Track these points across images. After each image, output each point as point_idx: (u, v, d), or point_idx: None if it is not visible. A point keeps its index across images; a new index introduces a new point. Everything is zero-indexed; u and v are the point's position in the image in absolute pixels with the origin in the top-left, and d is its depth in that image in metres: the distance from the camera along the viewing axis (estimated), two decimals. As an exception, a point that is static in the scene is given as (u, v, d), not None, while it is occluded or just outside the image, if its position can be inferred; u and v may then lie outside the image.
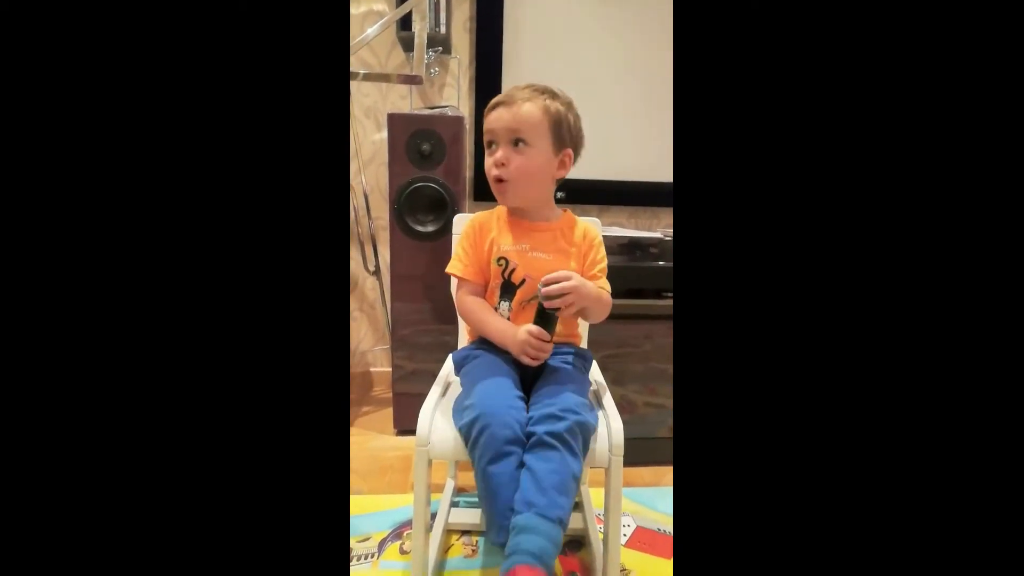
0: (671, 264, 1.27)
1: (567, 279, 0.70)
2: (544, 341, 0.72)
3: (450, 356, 0.88)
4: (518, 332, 0.74)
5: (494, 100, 0.79)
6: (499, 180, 0.78)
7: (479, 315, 0.80)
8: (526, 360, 0.74)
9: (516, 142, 0.77)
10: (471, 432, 0.66)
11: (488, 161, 0.79)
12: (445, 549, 0.91)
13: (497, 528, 0.64)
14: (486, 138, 0.80)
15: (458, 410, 0.71)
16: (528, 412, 0.70)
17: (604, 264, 0.83)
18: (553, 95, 0.79)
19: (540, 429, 0.65)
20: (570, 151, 0.80)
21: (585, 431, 0.67)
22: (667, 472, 1.20)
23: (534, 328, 0.72)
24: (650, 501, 1.07)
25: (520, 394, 0.71)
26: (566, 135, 0.79)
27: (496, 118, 0.78)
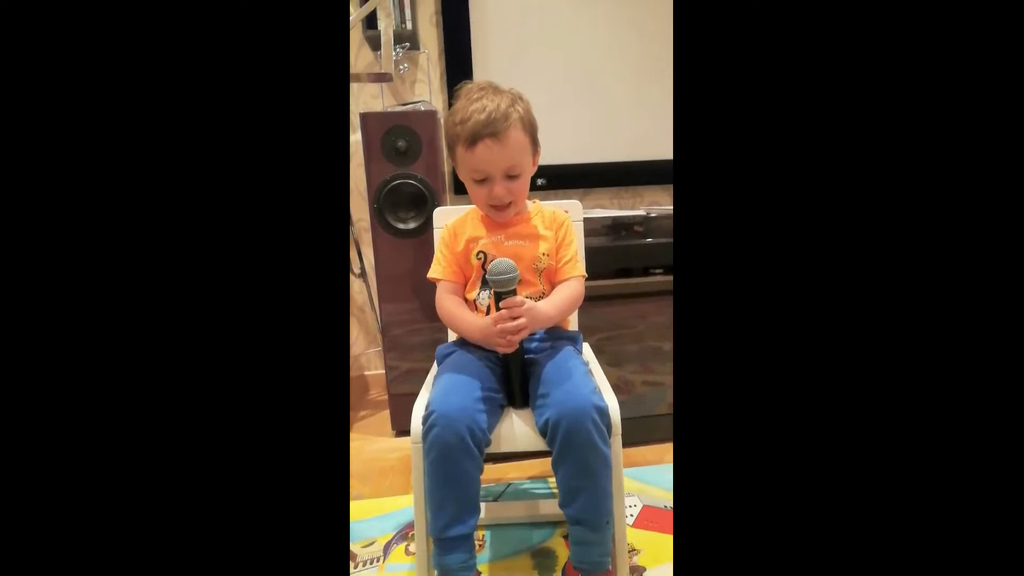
0: (657, 240, 1.26)
1: (519, 305, 0.70)
2: (513, 318, 0.70)
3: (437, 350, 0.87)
4: (485, 322, 0.74)
5: (473, 127, 0.72)
6: (500, 207, 0.79)
7: (454, 314, 0.80)
8: (501, 349, 0.73)
9: (512, 175, 0.76)
10: (424, 424, 0.67)
11: (481, 193, 0.78)
12: (452, 545, 0.90)
13: (439, 520, 0.67)
14: (476, 175, 0.76)
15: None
16: (536, 407, 0.70)
17: (574, 249, 0.83)
18: (515, 99, 0.77)
19: (568, 432, 0.65)
20: (539, 150, 0.81)
21: (603, 415, 0.67)
22: (669, 449, 1.20)
23: (497, 314, 0.71)
24: (654, 478, 1.07)
25: (486, 395, 0.70)
26: (536, 137, 0.80)
27: (487, 157, 0.74)
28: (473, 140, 0.73)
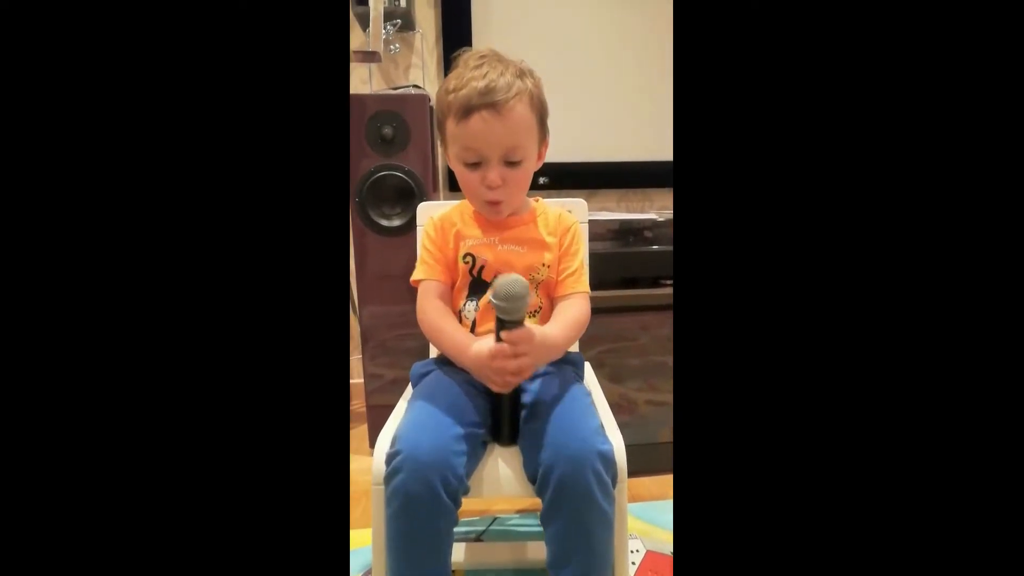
0: (667, 248, 1.14)
1: (527, 340, 0.56)
2: (514, 361, 0.56)
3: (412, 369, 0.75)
4: (477, 349, 0.59)
5: (468, 95, 0.59)
6: (494, 202, 0.65)
7: (438, 327, 0.66)
8: (495, 387, 0.59)
9: (511, 160, 0.62)
10: (389, 465, 0.54)
11: (472, 180, 0.63)
12: (424, 594, 0.78)
13: None
14: (467, 155, 0.62)
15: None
16: (526, 445, 0.58)
17: (580, 260, 0.70)
18: (523, 72, 0.63)
19: (563, 480, 0.53)
20: (548, 139, 0.68)
21: (607, 464, 0.55)
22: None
23: (496, 348, 0.56)
24: (659, 518, 0.95)
25: (467, 431, 0.57)
26: (545, 121, 0.66)
27: (483, 131, 0.60)
28: (467, 111, 0.60)
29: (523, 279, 0.55)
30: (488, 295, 0.56)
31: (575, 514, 0.54)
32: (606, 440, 0.56)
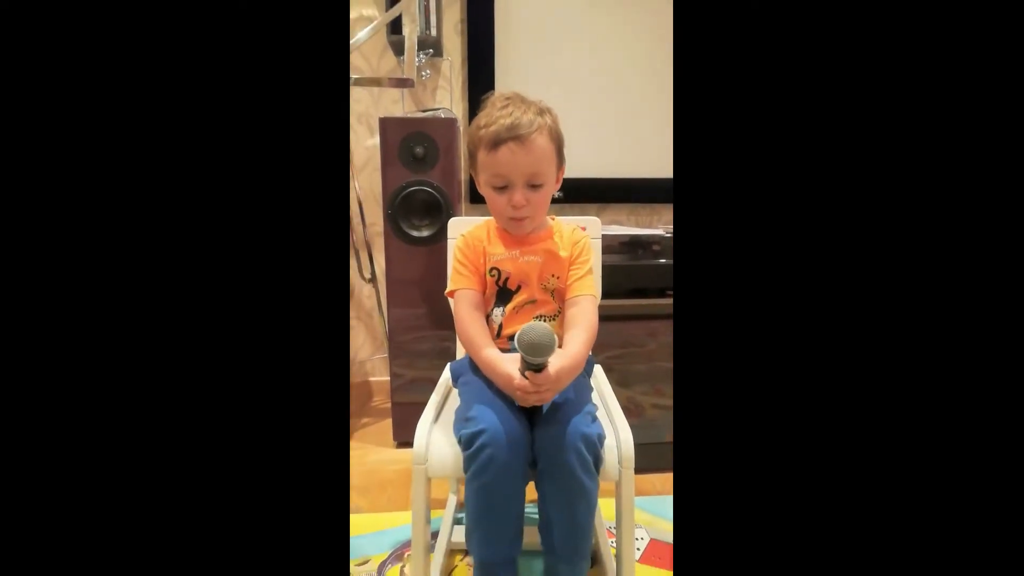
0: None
1: (552, 382, 0.65)
2: (535, 396, 0.65)
3: (448, 366, 0.84)
4: (505, 372, 0.67)
5: (496, 130, 0.70)
6: (519, 219, 0.76)
7: (473, 339, 0.75)
8: (518, 402, 0.68)
9: (533, 184, 0.74)
10: (472, 444, 0.63)
11: (500, 201, 0.75)
12: (448, 571, 0.87)
13: (488, 546, 0.64)
14: (496, 181, 0.74)
15: (459, 420, 0.68)
16: (532, 428, 0.67)
17: (588, 267, 0.80)
18: (543, 110, 0.75)
19: (550, 457, 0.63)
20: (564, 166, 0.79)
21: (590, 445, 0.64)
22: (679, 479, 1.16)
23: (520, 383, 0.64)
24: (663, 510, 1.03)
25: (520, 412, 0.68)
26: (562, 150, 0.78)
27: (510, 161, 0.71)
28: (496, 143, 0.71)
29: (550, 331, 0.62)
30: (516, 341, 0.63)
31: (558, 486, 0.63)
32: (592, 425, 0.64)
